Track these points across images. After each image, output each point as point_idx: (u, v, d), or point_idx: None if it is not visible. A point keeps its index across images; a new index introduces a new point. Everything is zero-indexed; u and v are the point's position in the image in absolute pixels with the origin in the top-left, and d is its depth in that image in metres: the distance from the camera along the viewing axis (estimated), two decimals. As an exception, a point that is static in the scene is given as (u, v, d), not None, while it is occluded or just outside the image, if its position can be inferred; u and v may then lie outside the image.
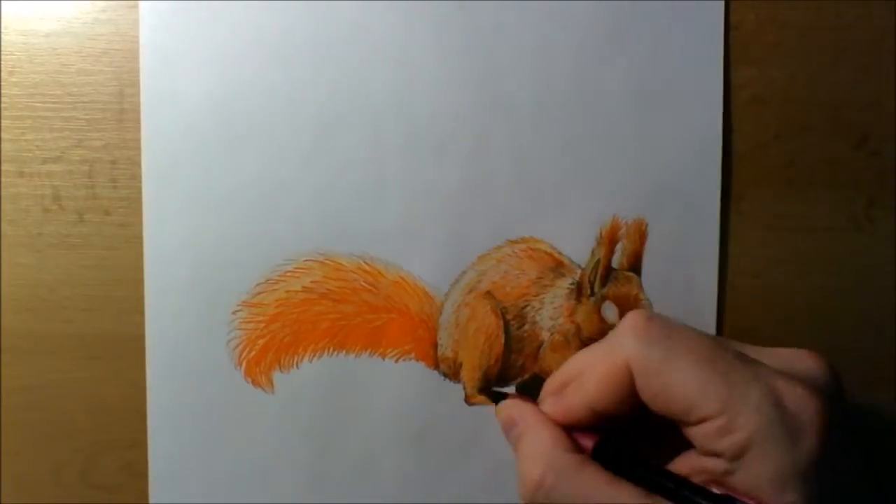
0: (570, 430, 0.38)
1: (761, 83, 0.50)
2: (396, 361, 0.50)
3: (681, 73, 0.49)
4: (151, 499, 0.50)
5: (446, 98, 0.49)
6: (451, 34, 0.49)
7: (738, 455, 0.33)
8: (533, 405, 0.41)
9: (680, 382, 0.34)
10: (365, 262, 0.50)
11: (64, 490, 0.52)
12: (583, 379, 0.38)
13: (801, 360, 0.36)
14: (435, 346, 0.50)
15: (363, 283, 0.50)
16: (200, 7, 0.49)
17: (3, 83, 0.49)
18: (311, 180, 0.49)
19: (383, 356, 0.50)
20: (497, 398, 0.45)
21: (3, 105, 0.50)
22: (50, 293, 0.51)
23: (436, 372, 0.50)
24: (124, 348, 0.50)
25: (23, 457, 0.51)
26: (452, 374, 0.50)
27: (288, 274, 0.50)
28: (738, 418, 0.33)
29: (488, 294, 0.50)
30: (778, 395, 0.33)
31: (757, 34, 0.50)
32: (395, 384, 0.50)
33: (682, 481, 0.34)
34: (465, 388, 0.50)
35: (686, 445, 0.36)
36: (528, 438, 0.38)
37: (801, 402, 0.33)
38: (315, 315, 0.50)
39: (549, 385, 0.40)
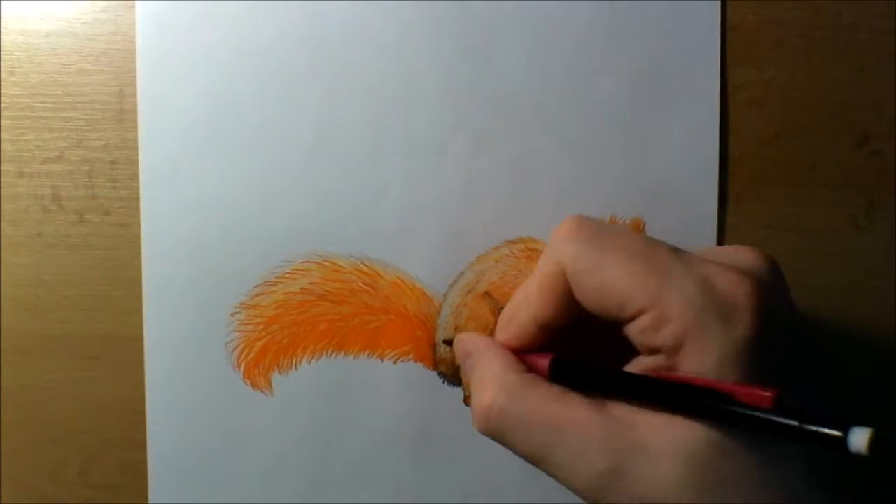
0: (524, 355, 0.38)
1: (761, 83, 0.50)
2: (395, 362, 0.50)
3: (678, 72, 0.49)
4: (151, 499, 0.51)
5: (444, 99, 0.49)
6: (448, 34, 0.49)
7: (676, 348, 0.32)
8: (486, 336, 0.40)
9: (612, 278, 0.33)
10: (363, 264, 0.50)
11: (63, 490, 0.52)
12: (527, 298, 0.37)
13: (739, 253, 0.35)
14: (433, 346, 0.50)
15: (361, 285, 0.50)
16: (197, 8, 0.49)
17: (3, 83, 0.50)
18: (310, 181, 0.49)
19: (382, 357, 0.50)
20: (449, 339, 0.46)
21: (3, 105, 0.50)
22: (50, 293, 0.51)
23: (434, 373, 0.50)
24: (124, 348, 0.50)
25: (23, 457, 0.52)
26: (451, 374, 0.50)
27: (286, 275, 0.50)
28: (670, 309, 0.32)
29: (487, 294, 0.50)
30: (710, 282, 0.32)
31: (757, 34, 0.50)
32: (393, 385, 0.50)
33: (639, 378, 0.33)
34: (463, 389, 0.50)
35: (632, 354, 0.35)
36: (480, 364, 0.38)
37: (733, 286, 0.32)
38: (313, 316, 0.50)
39: (502, 318, 0.40)
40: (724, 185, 0.50)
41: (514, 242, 0.50)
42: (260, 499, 0.51)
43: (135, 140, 0.49)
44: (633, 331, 0.33)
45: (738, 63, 0.50)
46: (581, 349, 0.37)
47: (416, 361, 0.50)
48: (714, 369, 0.31)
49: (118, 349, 0.51)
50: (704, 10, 0.49)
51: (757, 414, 0.30)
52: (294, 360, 0.50)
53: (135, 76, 0.49)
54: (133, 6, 0.49)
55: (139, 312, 0.50)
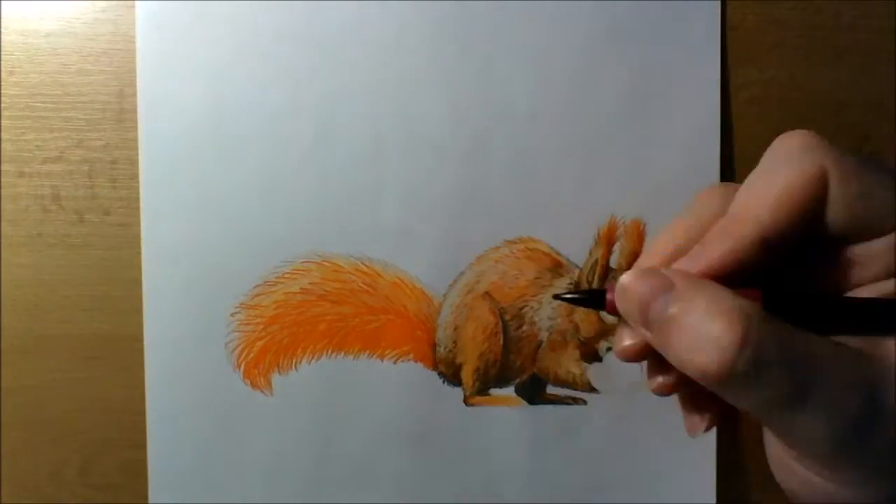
0: None
1: (761, 83, 0.50)
2: (395, 362, 0.50)
3: (678, 73, 0.49)
4: (151, 499, 0.50)
5: (444, 99, 0.49)
6: (448, 34, 0.49)
7: None
8: (676, 269, 0.32)
9: (879, 186, 0.30)
10: (363, 264, 0.50)
11: (63, 490, 0.52)
12: (750, 207, 0.31)
13: None
14: (433, 346, 0.50)
15: (361, 285, 0.50)
16: (197, 8, 0.49)
17: (3, 83, 0.49)
18: (309, 181, 0.49)
19: (382, 357, 0.50)
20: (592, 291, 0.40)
21: (3, 105, 0.50)
22: (50, 293, 0.51)
23: (434, 373, 0.50)
24: (124, 348, 0.50)
25: (23, 457, 0.51)
26: (451, 374, 0.50)
27: (286, 275, 0.50)
28: None
29: (486, 294, 0.50)
30: None
31: (757, 34, 0.50)
32: (393, 385, 0.50)
33: (877, 303, 0.30)
34: (463, 389, 0.50)
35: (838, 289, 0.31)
36: (698, 298, 0.30)
37: None
38: (313, 316, 0.50)
39: (663, 253, 0.33)
40: (725, 185, 0.50)
41: (513, 242, 0.50)
42: (260, 498, 0.51)
43: (135, 140, 0.49)
44: (875, 249, 0.30)
45: (738, 63, 0.50)
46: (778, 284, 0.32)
47: (415, 361, 0.50)
48: None
49: (118, 349, 0.51)
50: (704, 11, 0.49)
51: None
52: (294, 360, 0.50)
53: (135, 76, 0.49)
54: (133, 6, 0.49)
55: (139, 312, 0.50)
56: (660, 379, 0.33)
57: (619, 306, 0.32)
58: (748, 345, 0.28)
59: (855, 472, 0.30)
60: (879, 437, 0.28)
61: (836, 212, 0.30)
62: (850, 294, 0.31)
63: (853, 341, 0.29)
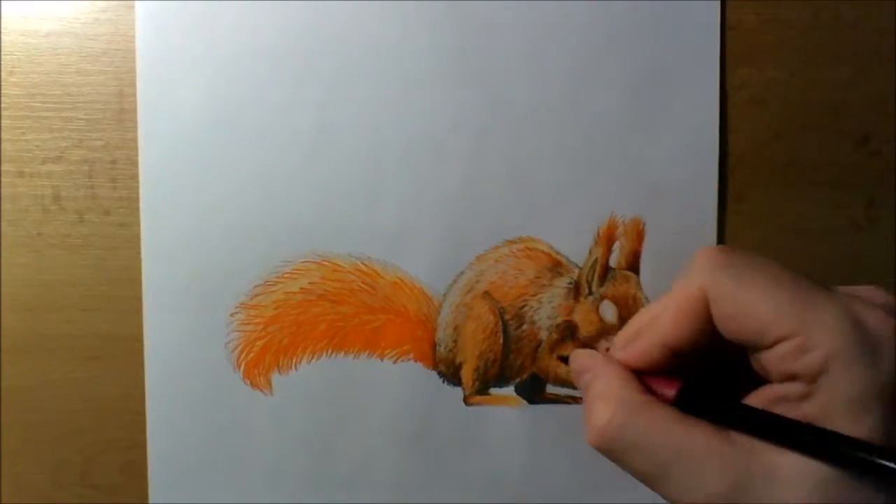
0: (643, 377, 0.37)
1: (761, 83, 0.50)
2: (395, 362, 0.50)
3: (678, 72, 0.49)
4: (151, 499, 0.51)
5: (444, 98, 0.49)
6: (448, 34, 0.49)
7: (815, 376, 0.32)
8: (606, 354, 0.39)
9: (755, 303, 0.33)
10: (363, 263, 0.50)
11: (63, 490, 0.52)
12: (656, 320, 0.37)
13: (876, 293, 0.34)
14: (433, 346, 0.50)
15: (361, 284, 0.50)
16: (197, 7, 0.49)
17: (3, 83, 0.50)
18: (309, 181, 0.49)
19: (382, 357, 0.50)
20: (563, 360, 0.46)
21: (3, 105, 0.50)
22: (50, 293, 0.51)
23: (434, 372, 0.50)
24: (124, 348, 0.50)
25: (23, 457, 0.52)
26: (451, 374, 0.50)
27: (286, 275, 0.50)
28: (814, 336, 0.32)
29: (486, 294, 0.50)
30: (856, 316, 0.32)
31: (756, 34, 0.50)
32: (393, 385, 0.50)
33: (774, 416, 0.33)
34: (463, 389, 0.50)
35: (755, 384, 0.35)
36: (599, 381, 0.37)
37: (880, 323, 0.32)
38: (313, 316, 0.50)
39: (622, 337, 0.39)
40: (724, 185, 0.50)
41: (513, 242, 0.50)
42: (260, 498, 0.51)
43: (135, 140, 0.49)
44: (772, 357, 0.33)
45: (738, 63, 0.50)
46: (696, 375, 0.37)
47: (415, 361, 0.50)
48: (851, 403, 0.31)
49: (118, 349, 0.51)
50: (704, 11, 0.49)
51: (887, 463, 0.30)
52: (294, 360, 0.50)
53: (135, 76, 0.49)
54: (133, 6, 0.49)
55: (139, 312, 0.50)
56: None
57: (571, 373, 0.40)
58: (610, 427, 0.35)
59: None
60: None
61: (721, 327, 0.35)
62: (759, 390, 0.35)
63: (743, 437, 0.33)
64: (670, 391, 0.36)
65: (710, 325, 0.35)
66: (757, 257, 0.35)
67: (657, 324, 0.37)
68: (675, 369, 0.37)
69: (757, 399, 0.35)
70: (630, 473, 0.36)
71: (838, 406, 0.31)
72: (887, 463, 0.30)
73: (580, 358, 0.40)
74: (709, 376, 0.37)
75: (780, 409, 0.33)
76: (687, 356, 0.36)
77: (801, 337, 0.32)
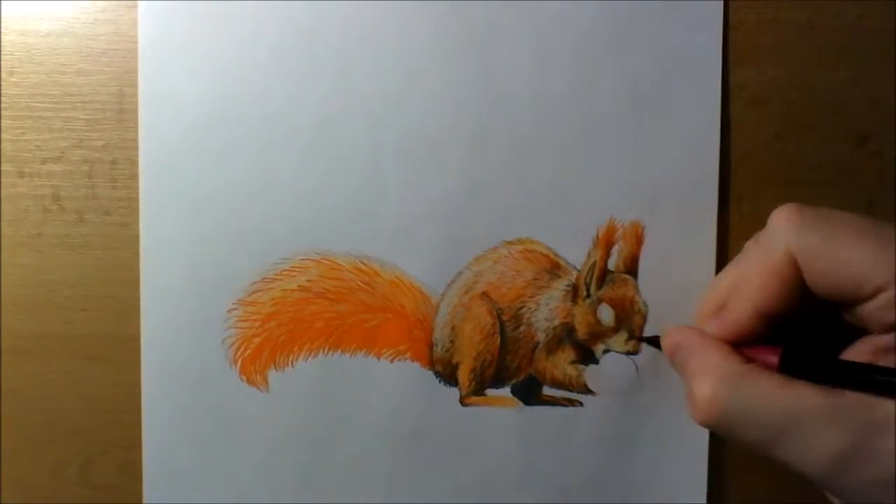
0: (741, 348, 0.37)
1: (761, 83, 0.50)
2: (392, 361, 0.50)
3: (679, 74, 0.49)
4: (145, 499, 0.51)
5: (444, 98, 0.49)
6: (448, 34, 0.49)
7: None
8: (697, 328, 0.39)
9: (847, 258, 0.33)
10: (361, 262, 0.50)
11: (63, 490, 0.52)
12: (742, 288, 0.37)
13: None
14: (430, 346, 0.50)
15: (359, 283, 0.50)
16: (198, 7, 0.49)
17: (3, 83, 0.50)
18: (308, 179, 0.49)
19: (378, 356, 0.50)
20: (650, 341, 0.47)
21: (3, 105, 0.50)
22: (50, 293, 0.51)
23: (431, 372, 0.50)
24: (124, 348, 0.51)
25: (23, 457, 0.52)
26: (448, 374, 0.50)
27: (284, 273, 0.50)
28: None
29: (484, 295, 0.50)
30: None
31: (757, 34, 0.50)
32: (390, 384, 0.50)
33: (881, 369, 0.33)
34: (459, 389, 0.50)
35: (849, 339, 0.35)
36: (696, 357, 0.37)
37: None
38: (311, 314, 0.50)
39: (705, 309, 0.39)
40: (725, 186, 0.50)
41: (512, 243, 0.50)
42: (255, 495, 0.51)
43: (135, 140, 0.49)
44: (872, 308, 0.33)
45: (738, 63, 0.50)
46: (791, 340, 0.37)
47: (412, 360, 0.50)
48: None
49: (118, 349, 0.51)
50: (707, 11, 0.49)
51: None
52: (291, 358, 0.50)
53: (135, 76, 0.49)
54: (133, 6, 0.49)
55: (139, 312, 0.50)
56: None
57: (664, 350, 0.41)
58: (716, 402, 0.35)
59: (849, 501, 0.33)
60: (861, 472, 0.32)
61: (814, 286, 0.35)
62: (858, 343, 0.35)
63: (851, 394, 0.33)
64: (773, 358, 0.35)
65: (800, 286, 0.35)
66: (832, 211, 0.35)
67: (745, 292, 0.37)
68: (769, 337, 0.37)
69: (857, 353, 0.35)
70: (742, 445, 0.35)
71: None
72: None
73: (672, 335, 0.40)
74: (804, 339, 0.36)
75: (885, 360, 0.33)
76: (778, 320, 0.36)
77: None
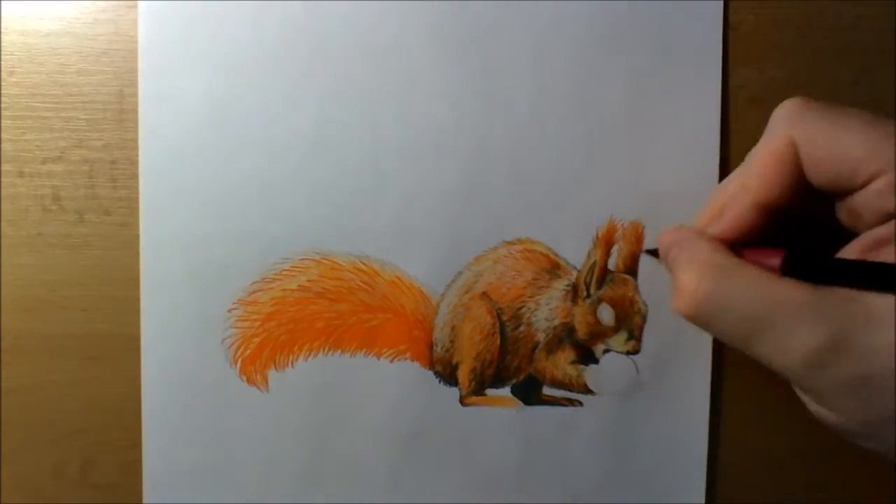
0: (742, 252, 0.37)
1: (761, 83, 0.50)
2: (392, 361, 0.50)
3: (679, 74, 0.49)
4: (145, 498, 0.51)
5: (444, 98, 0.49)
6: (448, 34, 0.49)
7: None
8: (693, 228, 0.40)
9: (847, 144, 0.33)
10: (361, 262, 0.50)
11: (64, 490, 0.52)
12: (744, 185, 0.37)
13: None
14: (430, 346, 0.50)
15: (359, 283, 0.50)
16: (199, 7, 0.49)
17: (3, 83, 0.50)
18: (308, 179, 0.49)
19: (378, 356, 0.50)
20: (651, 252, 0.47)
21: (3, 105, 0.50)
22: (50, 293, 0.51)
23: (431, 372, 0.50)
24: (124, 348, 0.51)
25: (23, 457, 0.52)
26: (448, 374, 0.50)
27: (284, 272, 0.50)
28: None
29: (484, 295, 0.50)
30: None
31: (757, 34, 0.50)
32: (390, 384, 0.50)
33: (878, 264, 0.32)
34: (459, 389, 0.50)
35: (845, 241, 0.35)
36: (686, 250, 0.37)
37: None
38: (311, 314, 0.50)
39: (707, 213, 0.40)
40: (724, 187, 0.50)
41: (512, 243, 0.50)
42: (255, 496, 0.51)
43: (135, 140, 0.49)
44: (868, 196, 0.33)
45: (738, 63, 0.50)
46: (791, 243, 0.36)
47: (412, 360, 0.50)
48: None
49: (118, 349, 0.51)
50: (707, 11, 0.49)
51: None
52: (291, 358, 0.50)
53: (135, 76, 0.49)
54: (133, 6, 0.49)
55: (139, 312, 0.50)
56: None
57: (660, 252, 0.42)
58: (699, 293, 0.35)
59: (823, 402, 0.33)
60: (840, 368, 0.31)
61: (812, 174, 0.34)
62: (857, 240, 0.34)
63: (840, 289, 0.32)
64: (775, 260, 0.35)
65: (800, 176, 0.35)
66: (835, 104, 0.35)
67: (747, 186, 0.37)
68: (770, 240, 0.36)
69: (852, 251, 0.34)
70: (720, 337, 0.36)
71: None
72: None
73: (667, 234, 0.40)
74: (804, 242, 0.36)
75: (878, 253, 0.33)
76: (778, 218, 0.36)
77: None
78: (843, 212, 0.35)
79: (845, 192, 0.34)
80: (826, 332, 0.31)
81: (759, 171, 0.36)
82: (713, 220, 0.39)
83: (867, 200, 0.33)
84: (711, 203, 0.40)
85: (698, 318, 0.35)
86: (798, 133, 0.34)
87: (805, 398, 0.35)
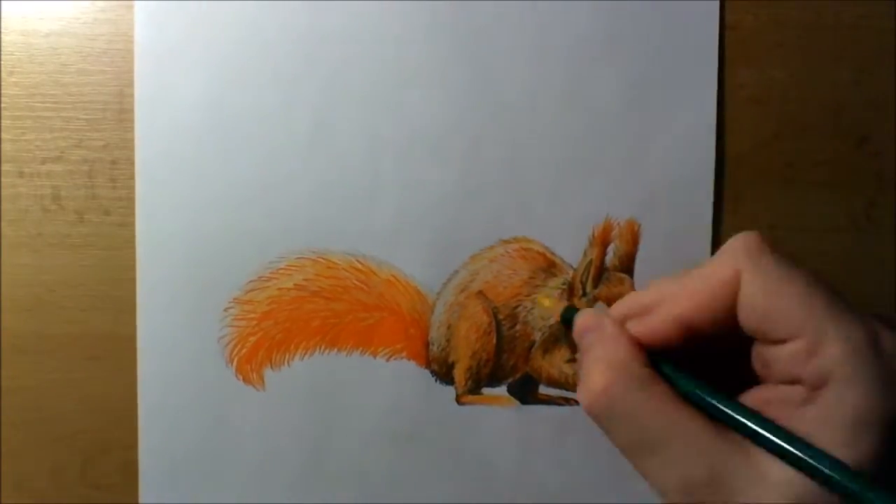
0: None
1: (760, 83, 0.50)
2: (388, 360, 0.50)
3: (675, 73, 0.49)
4: (141, 498, 0.51)
5: (440, 98, 0.49)
6: (445, 34, 0.49)
7: (819, 383, 0.31)
8: (615, 320, 0.38)
9: (787, 301, 0.32)
10: (357, 261, 0.50)
11: (63, 490, 0.52)
12: (676, 295, 0.36)
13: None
14: (426, 345, 0.50)
15: (355, 282, 0.50)
16: (195, 7, 0.49)
17: (3, 83, 0.50)
18: (305, 179, 0.49)
19: (374, 355, 0.50)
20: (569, 311, 0.43)
21: (3, 105, 0.50)
22: (50, 293, 0.51)
23: (427, 371, 0.50)
24: (123, 348, 0.51)
25: (23, 457, 0.52)
26: (444, 373, 0.50)
27: (280, 271, 0.50)
28: (828, 342, 0.31)
29: (480, 294, 0.50)
30: (877, 337, 0.31)
31: (756, 34, 0.50)
32: (386, 383, 0.50)
33: (769, 422, 0.32)
34: (455, 388, 0.50)
35: (749, 384, 0.35)
36: (605, 345, 0.36)
37: None
38: (307, 313, 0.50)
39: (628, 307, 0.38)
40: (721, 186, 0.50)
41: (508, 242, 0.50)
42: (250, 496, 0.51)
43: (134, 140, 0.50)
44: (780, 355, 0.33)
45: (737, 63, 0.50)
46: (691, 367, 0.37)
47: (408, 359, 0.50)
48: (850, 420, 0.31)
49: (118, 349, 0.51)
50: (703, 11, 0.49)
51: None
52: (287, 356, 0.50)
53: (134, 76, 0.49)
54: (132, 6, 0.49)
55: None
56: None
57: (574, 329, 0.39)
58: (606, 396, 0.34)
59: None
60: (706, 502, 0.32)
61: (743, 314, 0.34)
62: (753, 390, 0.35)
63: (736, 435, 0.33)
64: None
65: (731, 310, 0.34)
66: (788, 257, 0.35)
67: (678, 298, 0.36)
68: (678, 355, 0.37)
69: (753, 398, 0.34)
70: (614, 443, 0.35)
71: (837, 421, 0.31)
72: (875, 495, 0.29)
73: (587, 316, 0.39)
74: (708, 370, 0.36)
75: (776, 411, 0.33)
76: (693, 341, 0.36)
77: (815, 338, 0.31)
78: (757, 357, 0.35)
79: (765, 340, 0.34)
80: (707, 471, 0.32)
81: (694, 290, 0.35)
82: (636, 315, 0.38)
83: (780, 358, 0.33)
84: (640, 296, 0.38)
85: (597, 418, 0.35)
86: (748, 271, 0.34)
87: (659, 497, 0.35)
